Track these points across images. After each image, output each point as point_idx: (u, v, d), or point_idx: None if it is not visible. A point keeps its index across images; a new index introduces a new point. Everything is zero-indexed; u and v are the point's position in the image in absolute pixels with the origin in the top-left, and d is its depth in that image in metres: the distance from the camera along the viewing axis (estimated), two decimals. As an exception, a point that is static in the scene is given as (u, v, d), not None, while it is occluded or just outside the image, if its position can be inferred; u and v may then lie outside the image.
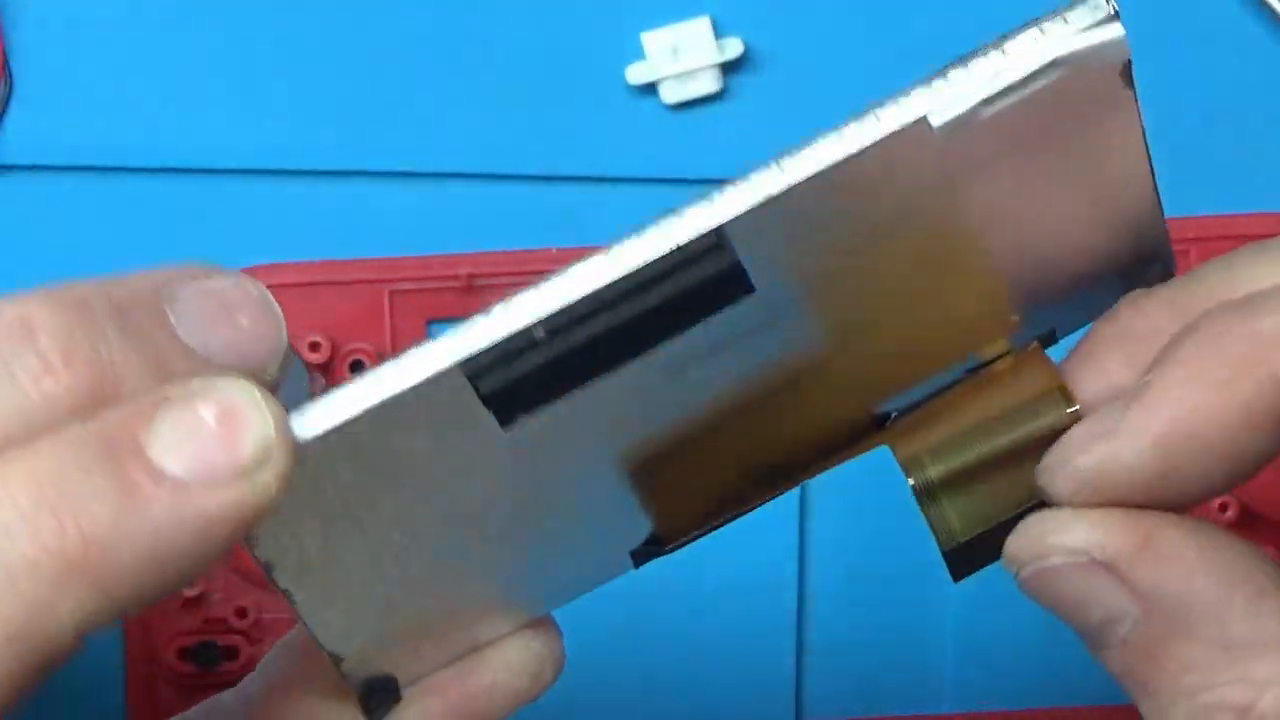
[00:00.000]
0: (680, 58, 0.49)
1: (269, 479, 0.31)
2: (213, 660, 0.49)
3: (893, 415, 0.37)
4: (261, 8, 0.49)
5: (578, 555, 0.37)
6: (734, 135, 0.50)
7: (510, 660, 0.37)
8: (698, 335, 0.34)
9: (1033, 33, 0.34)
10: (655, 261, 0.33)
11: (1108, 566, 0.34)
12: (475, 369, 0.33)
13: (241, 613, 0.48)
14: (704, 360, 0.35)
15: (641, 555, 0.37)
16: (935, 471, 0.36)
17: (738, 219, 0.33)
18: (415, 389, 0.33)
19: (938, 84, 0.33)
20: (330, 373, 0.48)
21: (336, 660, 0.36)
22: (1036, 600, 0.35)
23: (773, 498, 0.37)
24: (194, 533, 0.31)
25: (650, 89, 0.49)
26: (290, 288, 0.48)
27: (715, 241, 0.33)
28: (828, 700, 0.50)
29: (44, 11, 0.49)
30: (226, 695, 0.37)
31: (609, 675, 0.50)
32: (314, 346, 0.48)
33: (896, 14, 0.50)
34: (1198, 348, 0.34)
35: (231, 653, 0.49)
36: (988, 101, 0.34)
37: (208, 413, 0.31)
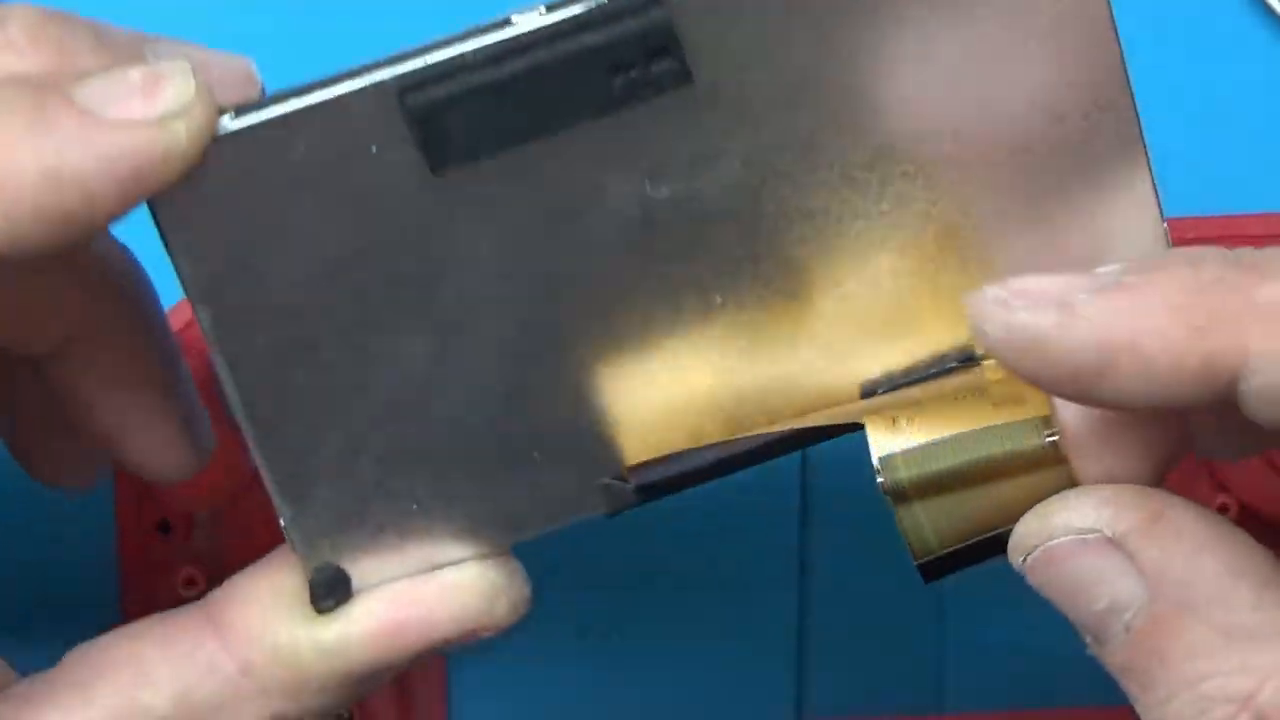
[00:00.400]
0: (680, 58, 0.49)
1: (180, 128, 0.33)
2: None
3: (879, 391, 0.37)
4: (261, 8, 0.49)
5: (538, 459, 0.37)
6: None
7: (463, 579, 0.37)
8: (632, 124, 0.34)
9: None
10: (588, 8, 0.34)
11: (1117, 543, 0.34)
12: (405, 84, 0.34)
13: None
14: (642, 190, 0.35)
15: (613, 497, 0.37)
16: (907, 475, 0.35)
17: None
18: (341, 98, 0.34)
19: None
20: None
21: (291, 534, 0.36)
22: (1040, 588, 0.35)
23: (743, 453, 0.37)
24: (98, 162, 0.32)
25: (650, 89, 0.49)
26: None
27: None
28: (828, 700, 0.50)
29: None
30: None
31: (609, 676, 0.50)
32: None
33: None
34: (1189, 281, 0.33)
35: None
36: None
37: (136, 74, 0.33)
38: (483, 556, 0.37)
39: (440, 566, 0.37)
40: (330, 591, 0.37)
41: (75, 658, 0.37)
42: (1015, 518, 0.35)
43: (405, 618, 0.37)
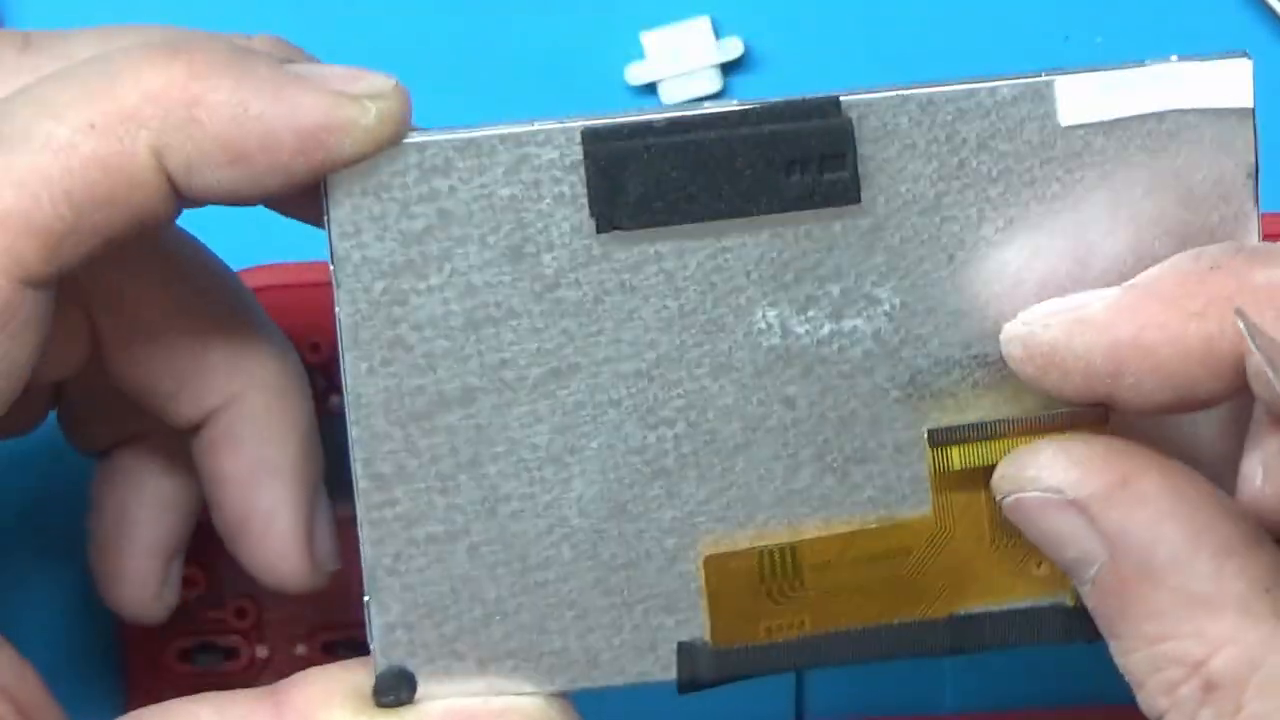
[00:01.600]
0: (680, 58, 0.49)
1: (371, 107, 0.35)
2: (213, 660, 0.49)
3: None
4: (262, 8, 0.49)
5: (628, 599, 0.37)
6: (734, 135, 0.50)
7: (523, 706, 0.37)
8: (795, 241, 0.36)
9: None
10: (774, 103, 0.36)
11: (1078, 507, 0.35)
12: (591, 132, 0.35)
13: (241, 613, 0.48)
14: (787, 318, 0.36)
15: (686, 670, 0.38)
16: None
17: (854, 96, 0.36)
18: (528, 133, 0.35)
19: (1085, 76, 0.36)
20: (330, 373, 0.48)
21: (371, 620, 0.37)
22: (1018, 527, 0.36)
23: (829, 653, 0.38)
24: (285, 108, 0.35)
25: (650, 89, 0.49)
26: (290, 288, 0.48)
27: (832, 105, 0.35)
28: (828, 700, 0.50)
29: (44, 11, 0.49)
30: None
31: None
32: (314, 347, 0.48)
33: (896, 14, 0.50)
34: (1189, 272, 0.34)
35: (231, 653, 0.49)
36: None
37: (340, 67, 0.36)
38: (548, 695, 0.37)
39: (505, 693, 0.37)
40: (394, 687, 0.37)
41: (134, 716, 0.37)
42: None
43: None
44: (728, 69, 0.49)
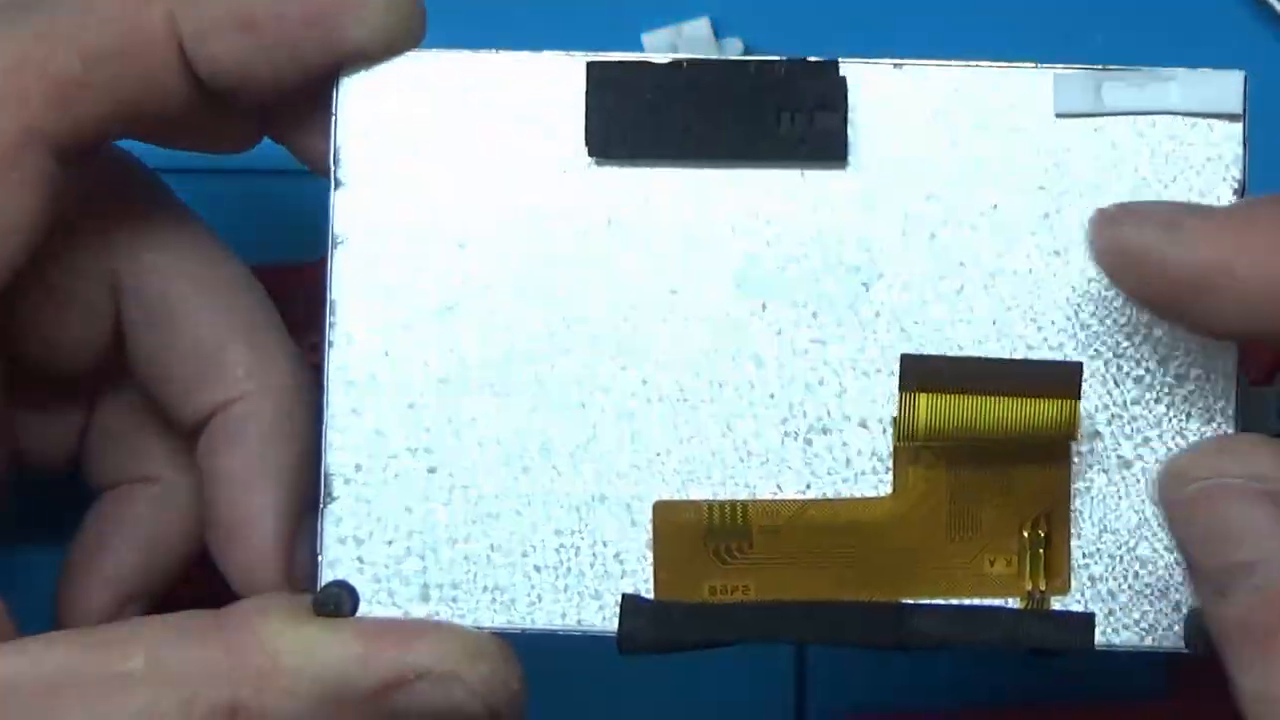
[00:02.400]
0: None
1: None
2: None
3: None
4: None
5: (581, 542, 0.37)
6: (734, 135, 0.50)
7: (456, 628, 0.37)
8: (785, 197, 0.36)
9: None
10: (775, 59, 0.36)
11: (1276, 499, 0.34)
12: (595, 63, 0.36)
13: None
14: (760, 251, 0.37)
15: (628, 623, 0.37)
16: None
17: (853, 63, 0.36)
18: (534, 56, 0.37)
19: (1082, 71, 0.36)
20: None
21: (324, 532, 0.37)
22: (1177, 523, 0.35)
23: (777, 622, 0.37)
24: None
25: (650, 89, 0.49)
26: (290, 288, 0.48)
27: (830, 65, 0.36)
28: (828, 699, 0.50)
29: None
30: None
31: (609, 671, 0.50)
32: (314, 347, 0.48)
33: (895, 14, 0.50)
34: None
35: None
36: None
37: None
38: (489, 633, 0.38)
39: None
40: (337, 600, 0.37)
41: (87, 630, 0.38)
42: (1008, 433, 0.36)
43: (386, 637, 0.37)
44: (728, 69, 0.49)
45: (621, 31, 0.49)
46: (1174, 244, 0.34)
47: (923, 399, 0.36)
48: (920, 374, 0.36)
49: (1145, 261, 0.34)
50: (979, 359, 0.36)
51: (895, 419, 0.37)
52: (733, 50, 0.49)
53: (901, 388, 0.36)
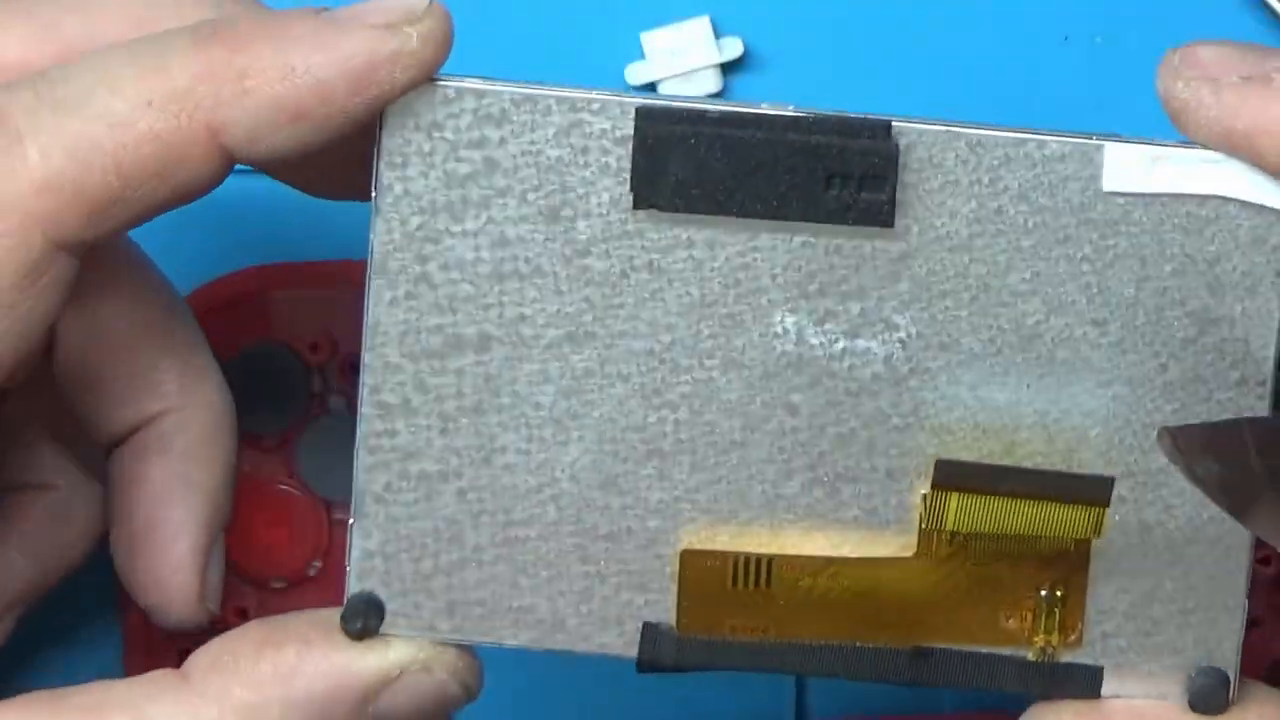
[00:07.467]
0: (680, 58, 0.49)
1: (412, 33, 0.36)
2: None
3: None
4: (262, 8, 0.49)
5: (604, 570, 0.38)
6: (734, 135, 0.49)
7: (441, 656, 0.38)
8: (824, 254, 0.36)
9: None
10: (827, 116, 0.36)
11: None
12: (645, 110, 0.36)
13: (242, 613, 0.48)
14: (804, 328, 0.37)
15: (648, 651, 0.38)
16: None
17: (905, 124, 0.36)
18: (584, 99, 0.36)
19: (1135, 146, 0.37)
20: (330, 374, 0.48)
21: (353, 545, 0.37)
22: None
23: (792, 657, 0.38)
24: (330, 56, 0.36)
25: (650, 89, 0.49)
26: (290, 288, 0.48)
27: (882, 129, 0.36)
28: (828, 699, 0.50)
29: None
30: None
31: (610, 673, 0.50)
32: (314, 347, 0.48)
33: (896, 15, 0.50)
34: None
35: (232, 653, 0.48)
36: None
37: (374, 2, 0.37)
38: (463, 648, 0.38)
39: (469, 641, 0.38)
40: (363, 613, 0.38)
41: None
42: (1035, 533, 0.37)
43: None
44: (728, 69, 0.49)
45: (622, 31, 0.49)
46: (1209, 106, 0.36)
47: (954, 498, 0.37)
48: (953, 476, 0.37)
49: (1185, 117, 0.36)
50: (1012, 468, 0.37)
51: (925, 497, 0.37)
52: (732, 50, 0.49)
53: (933, 486, 0.37)
